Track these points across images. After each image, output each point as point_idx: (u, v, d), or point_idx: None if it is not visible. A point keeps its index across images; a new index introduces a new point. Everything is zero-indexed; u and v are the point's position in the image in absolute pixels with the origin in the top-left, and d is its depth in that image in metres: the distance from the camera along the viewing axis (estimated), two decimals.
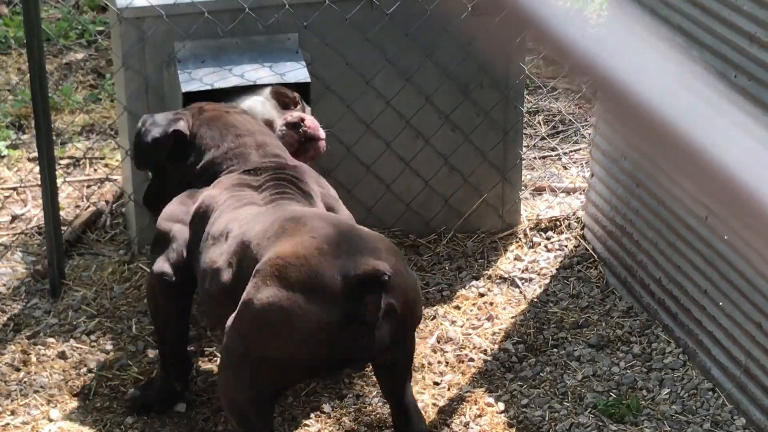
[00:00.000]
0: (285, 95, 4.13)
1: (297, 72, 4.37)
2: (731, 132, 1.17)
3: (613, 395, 3.84)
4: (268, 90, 4.16)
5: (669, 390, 3.86)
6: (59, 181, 4.62)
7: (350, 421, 3.69)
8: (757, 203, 1.13)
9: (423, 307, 3.45)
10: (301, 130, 3.98)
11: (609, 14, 5.14)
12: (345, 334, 3.00)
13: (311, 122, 4.03)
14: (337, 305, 2.97)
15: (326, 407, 3.76)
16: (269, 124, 4.02)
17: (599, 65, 1.18)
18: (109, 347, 4.08)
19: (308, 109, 4.20)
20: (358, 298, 2.96)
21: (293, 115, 4.03)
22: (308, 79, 4.39)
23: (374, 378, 3.91)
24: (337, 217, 3.42)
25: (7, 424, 3.68)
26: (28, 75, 4.31)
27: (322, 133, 4.03)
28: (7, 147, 5.55)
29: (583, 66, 1.18)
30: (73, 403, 3.82)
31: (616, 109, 1.20)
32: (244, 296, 3.08)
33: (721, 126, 1.17)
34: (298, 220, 3.20)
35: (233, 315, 3.11)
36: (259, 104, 4.09)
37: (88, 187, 5.30)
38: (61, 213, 4.93)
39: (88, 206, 5.09)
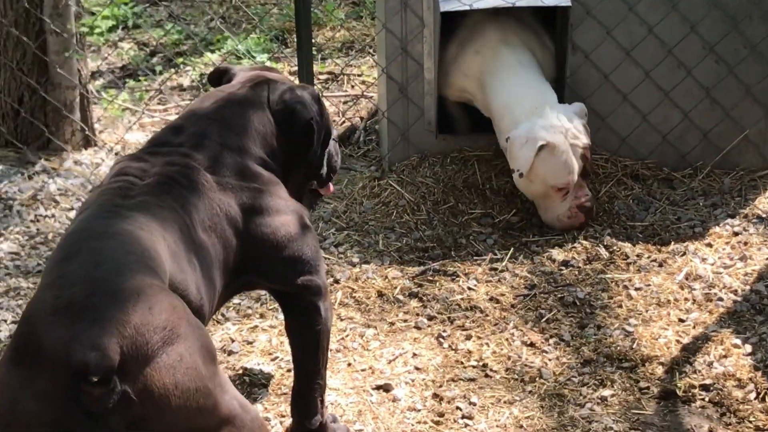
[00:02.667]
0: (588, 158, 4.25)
1: None
2: None
3: None
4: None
5: None
6: None
7: (589, 351, 3.64)
8: None
9: (215, 400, 2.40)
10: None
11: None
12: (66, 424, 2.30)
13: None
14: (59, 390, 2.27)
15: (566, 335, 3.73)
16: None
17: None
18: (355, 260, 4.16)
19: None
20: (86, 381, 2.27)
21: (581, 199, 4.28)
22: (569, 3, 4.32)
23: (617, 310, 3.85)
24: (121, 246, 2.53)
25: (256, 326, 3.82)
26: None
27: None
28: (269, 59, 5.71)
29: None
30: None
31: None
32: None
33: None
34: (78, 250, 2.50)
35: None
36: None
37: (345, 102, 5.40)
38: None
39: (344, 121, 5.18)
